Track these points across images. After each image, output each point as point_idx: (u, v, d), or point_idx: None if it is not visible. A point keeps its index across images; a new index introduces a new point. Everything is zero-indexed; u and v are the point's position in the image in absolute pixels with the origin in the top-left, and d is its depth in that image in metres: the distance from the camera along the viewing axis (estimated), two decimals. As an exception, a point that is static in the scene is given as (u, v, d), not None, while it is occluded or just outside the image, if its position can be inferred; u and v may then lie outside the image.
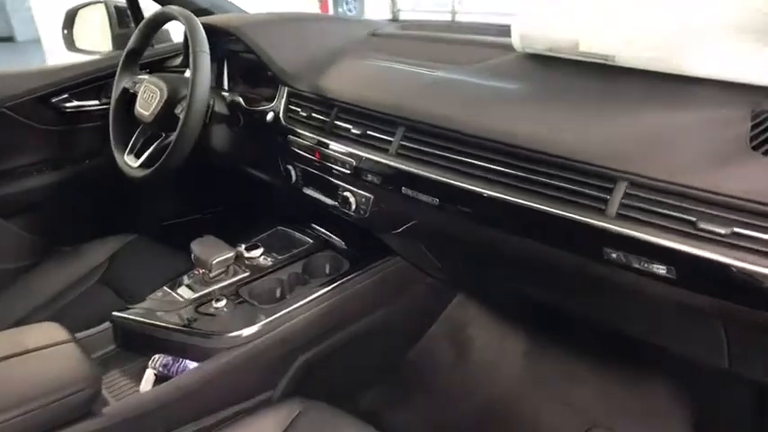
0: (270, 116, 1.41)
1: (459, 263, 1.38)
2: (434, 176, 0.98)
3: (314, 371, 1.34)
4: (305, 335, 1.32)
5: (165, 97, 1.36)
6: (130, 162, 1.63)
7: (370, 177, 1.16)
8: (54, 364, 0.87)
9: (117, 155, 1.67)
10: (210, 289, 1.38)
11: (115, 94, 1.51)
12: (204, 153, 1.47)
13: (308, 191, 1.44)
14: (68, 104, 1.76)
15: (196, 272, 1.44)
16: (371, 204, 1.28)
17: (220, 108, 1.47)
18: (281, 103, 1.38)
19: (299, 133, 1.33)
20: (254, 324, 1.24)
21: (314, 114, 1.29)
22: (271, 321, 1.26)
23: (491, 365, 1.60)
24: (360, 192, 1.29)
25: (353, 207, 1.33)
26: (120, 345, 1.32)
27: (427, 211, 1.02)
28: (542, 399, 1.42)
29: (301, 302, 1.32)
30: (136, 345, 1.32)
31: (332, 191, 1.32)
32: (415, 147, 1.03)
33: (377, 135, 1.13)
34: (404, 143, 1.07)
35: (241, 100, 1.49)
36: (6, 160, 1.72)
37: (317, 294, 1.34)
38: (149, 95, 1.40)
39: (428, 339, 1.65)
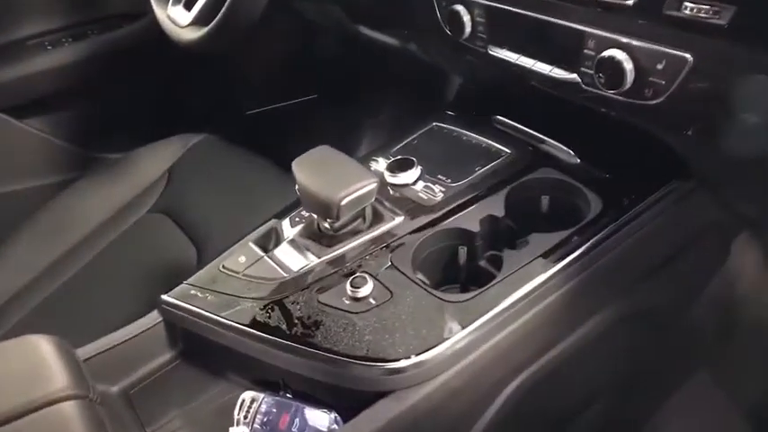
0: None
1: None
2: None
3: (531, 396, 0.70)
4: (529, 345, 0.66)
5: None
6: (178, 17, 0.96)
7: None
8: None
9: (157, 7, 1.00)
10: (337, 253, 0.72)
11: None
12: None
13: (501, 51, 0.76)
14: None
15: (305, 215, 0.78)
16: (686, 72, 0.56)
17: None
18: None
19: None
20: (443, 340, 0.60)
21: None
22: (477, 333, 0.61)
23: None
24: (652, 47, 0.58)
25: (629, 82, 0.60)
26: (178, 354, 0.73)
27: None
28: None
29: (524, 289, 0.64)
30: (207, 359, 0.71)
31: (562, 49, 0.70)
32: None
33: None
34: None
35: None
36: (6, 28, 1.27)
37: (550, 272, 0.65)
38: None
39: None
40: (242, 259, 0.74)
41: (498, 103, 0.92)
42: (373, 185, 0.69)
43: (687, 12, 0.56)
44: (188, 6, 1.01)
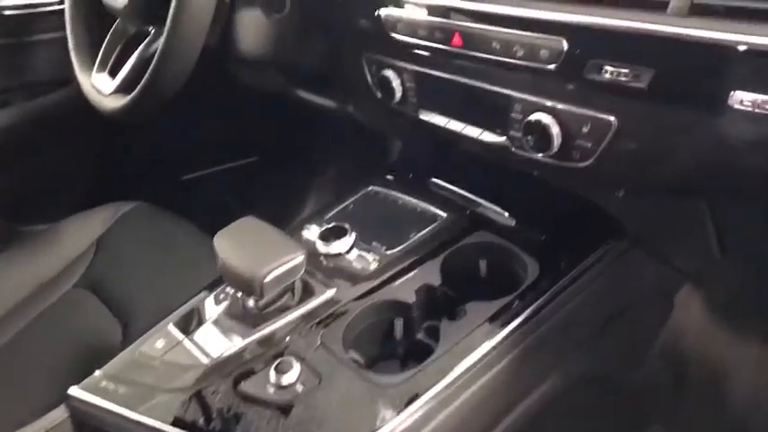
0: None
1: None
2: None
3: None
4: (474, 422, 0.63)
5: None
6: (102, 85, 0.92)
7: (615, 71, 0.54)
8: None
9: (80, 74, 0.96)
10: (263, 333, 0.66)
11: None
12: (224, 63, 1.06)
13: (431, 116, 0.77)
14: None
15: (230, 292, 0.72)
16: (611, 135, 0.55)
17: None
18: None
19: (409, 2, 0.74)
20: (377, 429, 0.56)
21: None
22: (417, 416, 0.57)
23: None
24: (576, 110, 0.57)
25: (556, 145, 0.59)
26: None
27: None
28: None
29: (465, 363, 0.60)
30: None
31: (491, 113, 0.69)
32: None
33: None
34: None
35: None
36: None
37: (491, 342, 0.62)
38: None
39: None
40: (160, 344, 0.68)
41: (435, 165, 0.91)
42: (300, 259, 0.65)
43: (607, 76, 0.55)
44: (113, 73, 0.97)
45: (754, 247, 0.66)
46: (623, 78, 0.54)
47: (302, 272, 0.67)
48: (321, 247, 0.77)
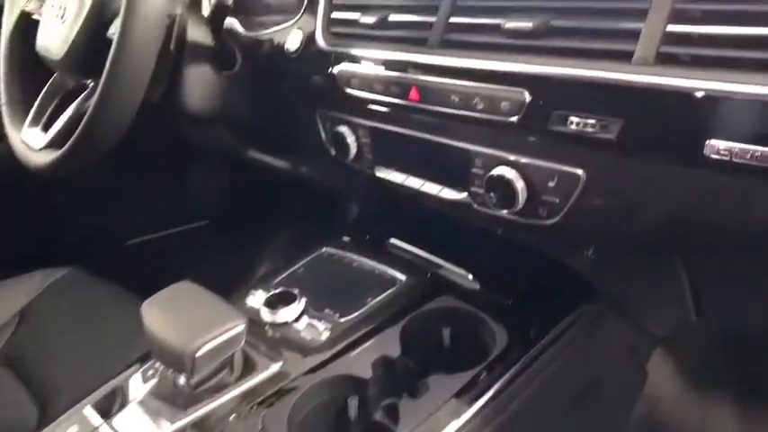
0: (294, 41, 0.82)
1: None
2: None
3: None
4: None
5: (85, 11, 0.79)
6: (32, 140, 0.86)
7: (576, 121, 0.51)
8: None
9: (10, 130, 0.89)
10: (195, 416, 0.57)
11: (7, 22, 0.95)
12: (171, 120, 1.00)
13: (387, 173, 0.73)
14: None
15: (159, 368, 0.64)
16: (580, 189, 0.51)
17: (197, 35, 0.89)
18: (315, 12, 0.79)
19: (364, 58, 0.71)
20: None
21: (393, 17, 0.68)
22: None
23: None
24: (542, 164, 0.54)
25: (521, 201, 0.54)
26: None
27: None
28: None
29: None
30: None
31: (451, 169, 0.65)
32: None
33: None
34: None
35: (237, 24, 0.93)
36: None
37: (458, 422, 0.55)
38: (60, 12, 0.83)
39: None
40: (74, 430, 0.58)
41: (393, 225, 0.85)
42: (239, 329, 0.57)
43: (573, 127, 0.52)
44: (46, 128, 0.90)
45: (732, 308, 0.62)
46: (590, 129, 0.51)
47: (242, 344, 0.59)
48: (266, 315, 0.69)
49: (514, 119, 0.56)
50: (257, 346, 0.65)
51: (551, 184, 0.56)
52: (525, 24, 0.56)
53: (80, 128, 0.77)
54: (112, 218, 1.38)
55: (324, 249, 0.84)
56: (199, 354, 0.54)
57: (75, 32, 0.82)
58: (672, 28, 0.47)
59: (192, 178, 1.40)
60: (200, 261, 1.31)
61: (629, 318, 0.70)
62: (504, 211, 0.59)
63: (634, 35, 0.49)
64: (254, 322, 0.67)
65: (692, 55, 0.47)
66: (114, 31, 0.74)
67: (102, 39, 0.80)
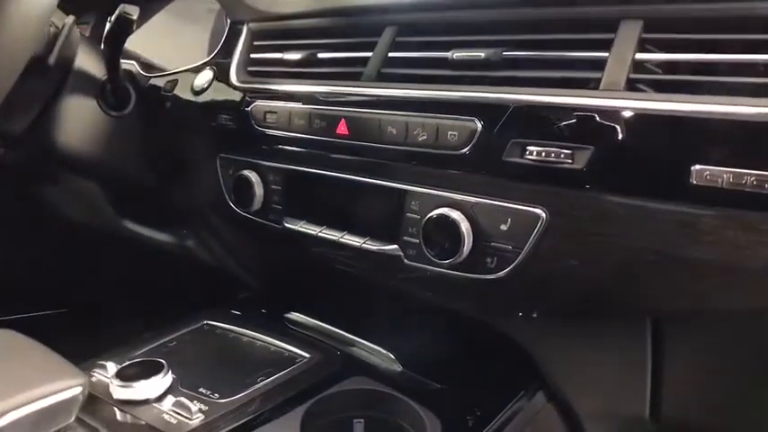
0: (202, 79, 0.74)
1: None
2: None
3: None
4: None
5: None
6: None
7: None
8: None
9: None
10: None
11: None
12: (28, 167, 0.89)
13: (299, 224, 0.61)
14: None
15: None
16: (539, 231, 0.43)
17: (88, 63, 0.77)
18: (233, 51, 0.71)
19: (284, 93, 0.63)
20: None
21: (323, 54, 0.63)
22: None
23: None
24: (493, 203, 0.47)
25: (466, 248, 0.45)
26: None
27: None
28: None
29: None
30: None
31: (379, 215, 0.56)
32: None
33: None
34: None
35: (135, 65, 0.85)
36: None
37: None
38: None
39: None
40: None
41: (294, 295, 0.71)
42: (72, 393, 0.39)
43: (532, 157, 0.45)
44: None
45: (694, 412, 0.53)
46: (553, 159, 0.44)
47: (72, 418, 0.40)
48: (117, 389, 0.50)
49: (464, 151, 0.48)
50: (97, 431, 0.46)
51: (503, 227, 0.47)
52: (476, 54, 0.50)
53: None
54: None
55: (203, 322, 0.67)
56: (2, 422, 0.35)
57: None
58: (640, 56, 0.43)
59: (51, 256, 1.16)
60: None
61: (573, 414, 0.58)
62: (445, 262, 0.49)
63: (597, 63, 0.44)
64: (98, 399, 0.48)
65: (661, 80, 0.42)
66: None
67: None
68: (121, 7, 0.68)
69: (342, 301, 0.67)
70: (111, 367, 0.53)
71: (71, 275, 1.21)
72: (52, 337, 1.18)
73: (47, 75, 0.72)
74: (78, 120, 0.79)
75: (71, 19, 0.71)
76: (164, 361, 0.53)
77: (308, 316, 0.67)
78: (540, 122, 0.45)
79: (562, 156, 0.44)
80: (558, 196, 0.44)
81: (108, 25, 0.74)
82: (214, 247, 0.86)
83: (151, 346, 0.60)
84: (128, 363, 0.54)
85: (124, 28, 0.69)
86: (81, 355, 1.09)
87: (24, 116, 0.75)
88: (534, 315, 0.50)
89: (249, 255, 0.79)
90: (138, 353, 0.59)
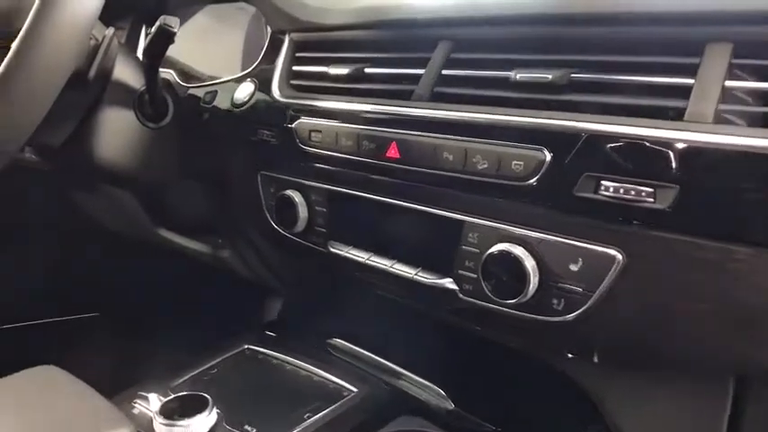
0: (243, 92, 0.71)
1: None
2: None
3: None
4: None
5: None
6: None
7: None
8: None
9: None
10: None
11: None
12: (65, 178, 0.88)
13: (345, 249, 0.58)
14: None
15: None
16: (614, 274, 0.40)
17: (126, 74, 0.75)
18: (275, 64, 0.68)
19: (330, 110, 0.60)
20: None
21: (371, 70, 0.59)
22: None
23: None
24: (562, 240, 0.44)
25: (531, 288, 0.42)
26: None
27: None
28: None
29: None
30: None
31: (432, 246, 0.52)
32: None
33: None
34: None
35: (173, 74, 0.84)
36: None
37: None
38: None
39: None
40: None
41: (338, 321, 0.69)
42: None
43: (608, 193, 0.41)
44: None
45: None
46: (633, 197, 0.40)
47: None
48: (161, 427, 0.48)
49: (530, 182, 0.44)
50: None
51: (574, 267, 0.43)
52: (541, 76, 0.47)
53: None
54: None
55: (245, 347, 0.65)
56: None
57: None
58: (730, 83, 0.39)
59: (82, 262, 1.16)
60: (80, 357, 1.05)
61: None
62: (506, 302, 0.46)
63: (681, 91, 0.40)
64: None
65: (754, 112, 0.38)
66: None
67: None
68: (162, 18, 0.66)
69: (387, 327, 0.65)
70: (154, 399, 0.52)
71: (103, 280, 1.21)
72: (84, 337, 1.18)
73: (86, 87, 0.71)
74: (116, 132, 0.78)
75: (111, 31, 0.69)
76: (208, 396, 0.51)
77: (350, 342, 0.64)
78: (616, 155, 0.41)
79: (643, 194, 0.40)
80: (636, 237, 0.41)
81: (148, 36, 0.73)
82: (251, 261, 0.84)
83: (192, 374, 0.59)
84: (171, 396, 0.52)
85: (165, 40, 0.67)
86: (114, 359, 1.10)
87: (62, 129, 0.74)
88: (596, 360, 0.47)
89: (288, 272, 0.77)
90: (180, 381, 0.57)
